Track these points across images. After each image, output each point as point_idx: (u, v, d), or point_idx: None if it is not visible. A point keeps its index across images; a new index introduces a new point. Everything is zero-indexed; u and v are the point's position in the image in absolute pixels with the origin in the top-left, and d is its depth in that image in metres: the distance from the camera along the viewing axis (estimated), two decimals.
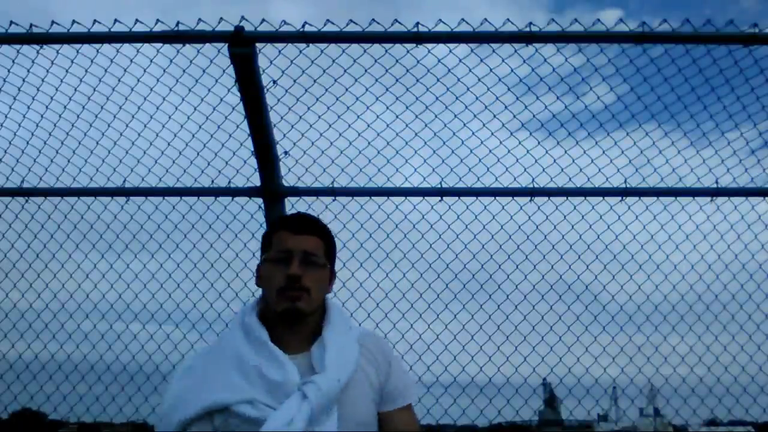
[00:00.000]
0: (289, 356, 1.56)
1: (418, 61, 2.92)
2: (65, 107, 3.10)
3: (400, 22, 2.61)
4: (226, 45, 2.52)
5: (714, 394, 3.45)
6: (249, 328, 1.60)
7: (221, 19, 2.60)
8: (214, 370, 1.56)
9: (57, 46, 2.87)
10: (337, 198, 3.18)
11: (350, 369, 1.57)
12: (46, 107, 3.11)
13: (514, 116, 3.17)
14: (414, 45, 2.75)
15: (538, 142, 3.25)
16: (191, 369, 1.60)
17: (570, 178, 3.22)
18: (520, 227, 3.28)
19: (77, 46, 2.86)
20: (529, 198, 3.21)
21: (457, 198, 3.23)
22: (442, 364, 3.29)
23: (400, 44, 2.76)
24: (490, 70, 2.96)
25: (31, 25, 2.69)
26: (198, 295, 3.34)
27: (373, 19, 2.60)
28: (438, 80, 3.03)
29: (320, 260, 1.64)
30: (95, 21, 2.67)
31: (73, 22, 2.67)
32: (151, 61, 2.90)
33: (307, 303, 1.60)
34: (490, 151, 3.24)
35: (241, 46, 2.49)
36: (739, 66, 2.93)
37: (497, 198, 3.24)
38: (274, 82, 2.76)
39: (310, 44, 2.69)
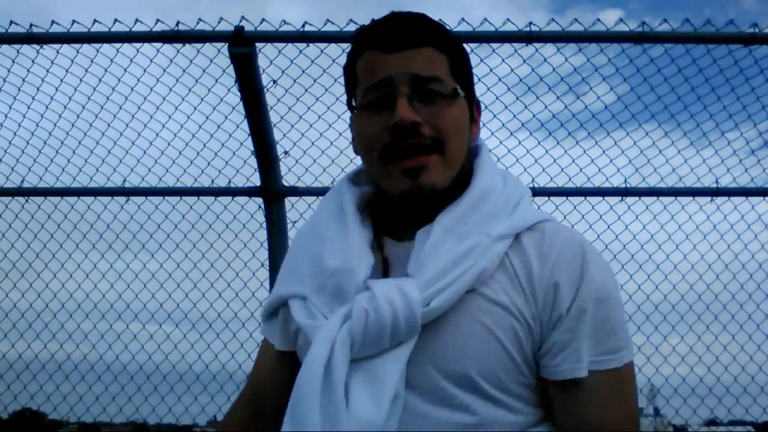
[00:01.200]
0: (393, 244, 0.99)
1: None
2: (65, 107, 3.10)
3: None
4: (226, 45, 2.52)
5: (714, 394, 3.45)
6: (341, 192, 1.05)
7: (221, 19, 2.61)
8: (299, 247, 1.06)
9: (57, 46, 2.87)
10: None
11: (458, 277, 0.88)
12: (46, 107, 3.11)
13: (514, 116, 3.17)
14: None
15: (538, 142, 3.25)
16: (297, 240, 1.10)
17: (570, 178, 3.22)
18: None
19: (77, 46, 2.86)
20: None
21: None
22: None
23: None
24: (490, 70, 2.96)
25: (31, 25, 2.69)
26: (198, 295, 3.34)
27: (373, 19, 2.60)
28: None
29: (446, 86, 0.95)
30: (95, 21, 2.67)
31: (73, 22, 2.67)
32: (151, 61, 2.90)
33: (440, 171, 0.94)
34: (490, 151, 3.23)
35: (241, 46, 2.49)
36: (739, 66, 2.93)
37: None
38: (274, 82, 2.76)
39: (310, 44, 2.69)
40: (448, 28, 1.04)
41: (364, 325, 0.86)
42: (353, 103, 1.00)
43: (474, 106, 1.05)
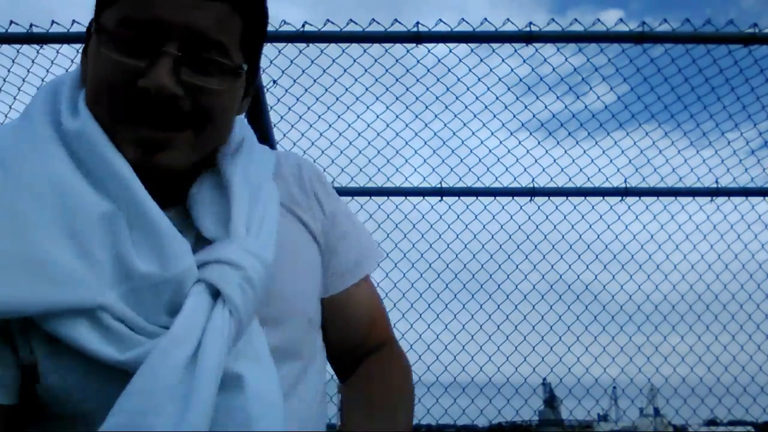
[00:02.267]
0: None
1: (418, 61, 2.92)
2: None
3: (400, 22, 2.61)
4: None
5: (714, 394, 3.45)
6: (83, 135, 0.71)
7: None
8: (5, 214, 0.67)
9: (57, 46, 2.86)
10: None
11: (274, 230, 0.79)
12: None
13: (514, 116, 3.17)
14: (414, 45, 2.75)
15: (538, 142, 3.26)
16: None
17: (570, 178, 3.22)
18: (520, 227, 3.28)
19: (77, 46, 2.86)
20: (529, 198, 3.21)
21: (457, 198, 3.24)
22: (442, 364, 3.30)
23: (400, 44, 2.76)
24: (490, 70, 2.96)
25: (31, 25, 2.69)
26: None
27: (373, 19, 2.60)
28: (438, 80, 3.03)
29: (229, 59, 0.74)
30: None
31: (73, 22, 2.67)
32: None
33: (185, 151, 0.74)
34: (490, 150, 3.24)
35: None
36: (739, 66, 2.94)
37: (497, 198, 3.24)
38: (274, 81, 2.76)
39: (310, 44, 2.69)
40: None
41: (243, 301, 0.70)
42: (99, 25, 0.74)
43: (251, 81, 0.83)
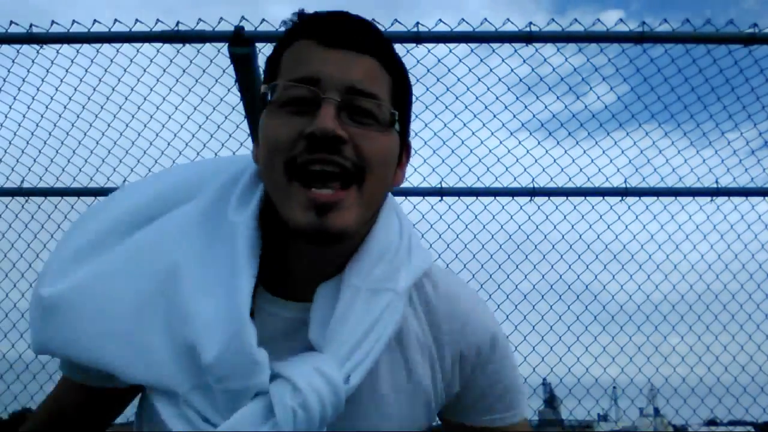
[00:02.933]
0: (287, 303, 0.82)
1: (418, 61, 2.92)
2: (65, 107, 3.10)
3: (400, 22, 2.61)
4: (226, 45, 2.52)
5: (714, 394, 3.45)
6: (236, 228, 0.78)
7: (221, 19, 2.60)
8: (122, 283, 0.77)
9: (57, 46, 2.86)
10: None
11: (372, 348, 0.78)
12: (46, 107, 3.11)
13: (514, 116, 3.17)
14: (414, 45, 2.75)
15: (538, 142, 3.25)
16: (91, 248, 0.79)
17: (570, 178, 3.22)
18: (520, 227, 3.28)
19: (77, 46, 2.86)
20: (529, 198, 3.20)
21: (457, 198, 3.23)
22: None
23: (400, 44, 2.76)
24: (490, 70, 2.96)
25: (31, 25, 2.69)
26: None
27: (373, 19, 2.60)
28: (438, 80, 3.03)
29: (384, 110, 0.78)
30: (95, 21, 2.67)
31: (73, 22, 2.66)
32: (151, 61, 2.90)
33: (355, 210, 0.76)
34: (490, 150, 3.24)
35: (241, 46, 2.49)
36: (739, 66, 2.93)
37: (497, 198, 3.24)
38: None
39: None
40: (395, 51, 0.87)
41: (293, 426, 0.72)
42: (268, 98, 0.78)
43: (405, 148, 0.86)
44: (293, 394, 0.73)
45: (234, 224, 0.78)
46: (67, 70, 2.97)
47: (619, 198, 3.22)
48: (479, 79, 3.01)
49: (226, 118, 3.03)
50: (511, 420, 0.92)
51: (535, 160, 3.20)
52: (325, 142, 0.72)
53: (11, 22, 2.67)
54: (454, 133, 3.24)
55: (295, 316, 0.80)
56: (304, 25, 0.79)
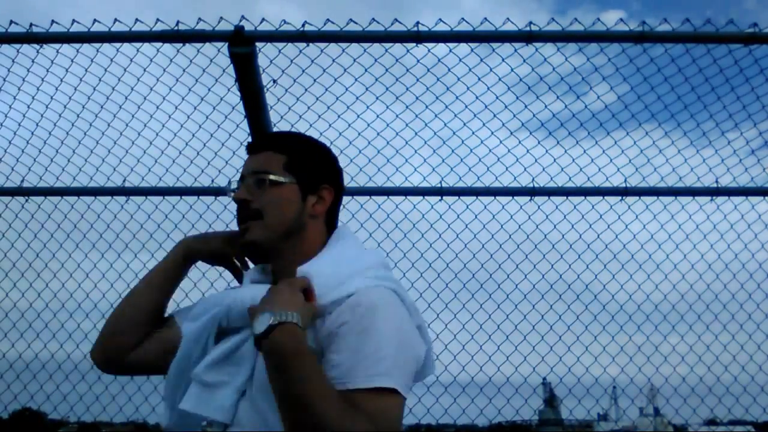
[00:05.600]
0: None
1: (418, 61, 2.91)
2: (65, 107, 3.10)
3: (400, 22, 2.61)
4: (226, 44, 2.52)
5: (714, 394, 3.45)
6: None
7: (221, 18, 2.60)
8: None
9: (57, 46, 2.86)
10: None
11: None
12: (46, 107, 3.11)
13: (514, 116, 3.17)
14: (414, 44, 2.75)
15: (538, 142, 3.25)
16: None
17: (570, 178, 3.22)
18: (520, 227, 3.28)
19: (77, 45, 2.86)
20: (529, 197, 3.21)
21: (457, 197, 3.23)
22: (442, 363, 3.30)
23: (400, 44, 2.76)
24: (490, 69, 2.96)
25: (31, 25, 2.69)
26: (198, 294, 3.34)
27: (373, 19, 2.60)
28: (438, 80, 3.03)
29: (275, 176, 1.34)
30: (95, 21, 2.67)
31: (73, 21, 2.66)
32: (151, 60, 2.89)
33: (258, 231, 1.33)
34: (490, 150, 3.24)
35: (241, 45, 2.49)
36: (739, 66, 2.93)
37: (497, 197, 3.24)
38: (274, 81, 2.76)
39: (310, 44, 2.69)
40: (302, 140, 1.45)
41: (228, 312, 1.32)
42: None
43: (323, 189, 1.39)
44: (229, 309, 1.32)
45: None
46: (67, 70, 2.97)
47: (619, 198, 3.22)
48: (479, 79, 3.01)
49: (226, 117, 3.03)
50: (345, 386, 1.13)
51: (535, 160, 3.20)
52: (239, 203, 1.36)
53: (11, 22, 2.67)
54: (454, 133, 3.24)
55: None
56: (246, 147, 1.44)
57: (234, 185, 1.41)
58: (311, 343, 1.20)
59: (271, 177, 1.34)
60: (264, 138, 1.48)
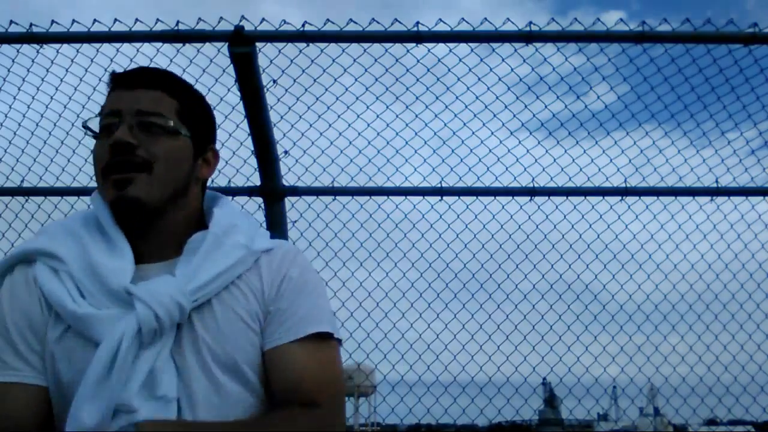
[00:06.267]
0: (152, 266, 1.13)
1: (418, 61, 2.92)
2: (65, 107, 3.10)
3: (400, 22, 2.62)
4: (226, 44, 2.52)
5: (714, 394, 3.45)
6: (96, 205, 1.17)
7: (221, 18, 2.60)
8: (56, 231, 1.18)
9: (57, 46, 2.86)
10: (337, 197, 3.18)
11: (210, 279, 1.09)
12: (46, 107, 3.11)
13: (514, 116, 3.17)
14: (414, 45, 2.75)
15: (538, 142, 3.26)
16: (52, 228, 1.21)
17: (570, 178, 3.22)
18: (520, 227, 3.28)
19: (77, 45, 2.86)
20: (529, 197, 3.21)
21: (456, 197, 3.23)
22: (442, 363, 3.30)
23: (400, 44, 2.76)
24: (490, 69, 2.96)
25: (31, 25, 2.69)
26: None
27: (373, 19, 2.60)
28: (438, 80, 3.03)
29: (169, 123, 1.12)
30: (95, 21, 2.67)
31: (73, 21, 2.67)
32: (151, 60, 2.89)
33: (144, 187, 1.09)
34: (490, 150, 3.24)
35: (241, 45, 2.49)
36: (739, 66, 2.93)
37: (497, 197, 3.23)
38: (274, 81, 2.76)
39: (310, 44, 2.69)
40: (189, 85, 1.24)
41: (154, 322, 1.03)
42: (92, 131, 1.16)
43: (209, 151, 1.24)
44: (153, 300, 1.04)
45: (101, 211, 1.15)
46: (67, 70, 2.97)
47: (619, 198, 3.22)
48: (479, 79, 3.01)
49: (226, 117, 3.03)
50: (286, 338, 1.12)
51: (535, 160, 3.20)
52: (119, 147, 1.09)
53: (11, 22, 2.68)
54: (454, 133, 3.24)
55: (160, 271, 1.11)
56: (117, 78, 1.17)
57: (98, 122, 1.15)
58: (256, 284, 1.15)
59: (170, 123, 1.13)
60: (148, 73, 1.17)
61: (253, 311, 1.12)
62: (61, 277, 1.08)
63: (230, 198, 1.29)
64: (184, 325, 1.08)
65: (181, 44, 2.72)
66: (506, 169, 3.21)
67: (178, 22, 2.61)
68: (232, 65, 2.56)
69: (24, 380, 1.07)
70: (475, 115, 3.16)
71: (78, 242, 1.12)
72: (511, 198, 3.23)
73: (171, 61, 2.87)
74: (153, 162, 1.10)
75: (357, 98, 2.99)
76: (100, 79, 2.98)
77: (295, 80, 2.87)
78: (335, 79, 2.90)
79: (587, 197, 3.24)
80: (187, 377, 1.06)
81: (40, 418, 1.07)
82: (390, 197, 3.23)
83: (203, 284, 1.08)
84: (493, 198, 3.24)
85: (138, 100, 1.12)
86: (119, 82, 1.15)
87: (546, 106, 3.15)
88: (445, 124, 3.18)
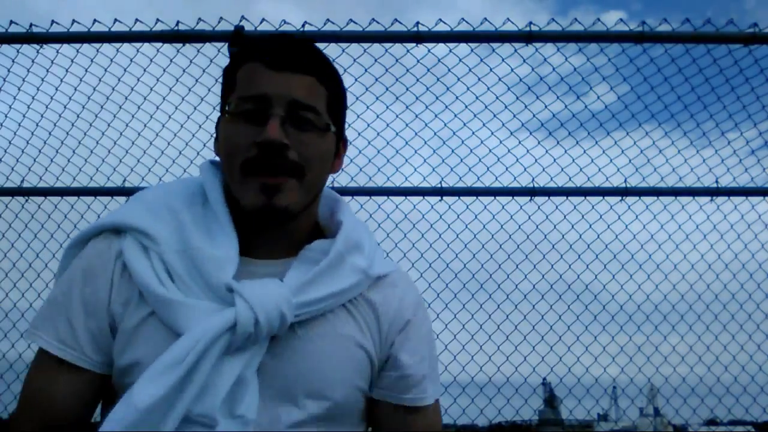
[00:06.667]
0: (260, 263, 1.01)
1: (418, 61, 2.92)
2: (65, 107, 3.10)
3: (400, 22, 2.62)
4: (226, 44, 2.52)
5: (714, 394, 3.45)
6: (207, 179, 1.05)
7: (221, 18, 2.61)
8: (155, 201, 1.07)
9: (57, 46, 2.87)
10: None
11: (321, 298, 0.96)
12: (46, 107, 3.11)
13: (514, 116, 3.17)
14: (414, 45, 2.75)
15: (538, 142, 3.26)
16: (150, 195, 1.10)
17: (570, 178, 3.22)
18: (520, 227, 3.28)
19: (77, 45, 2.86)
20: (529, 198, 3.21)
21: (456, 197, 3.23)
22: (442, 363, 3.29)
23: (400, 44, 2.76)
24: (490, 69, 2.96)
25: (31, 25, 2.69)
26: None
27: (373, 19, 2.61)
28: (438, 80, 3.03)
29: (322, 120, 0.99)
30: (95, 21, 2.67)
31: (73, 21, 2.67)
32: (151, 60, 2.90)
33: (294, 195, 0.97)
34: (490, 150, 3.24)
35: (242, 45, 2.49)
36: (739, 66, 2.94)
37: (497, 197, 3.24)
38: None
39: None
40: (335, 67, 1.06)
41: (252, 326, 0.90)
42: (226, 108, 0.99)
43: (341, 142, 1.10)
44: (256, 303, 0.90)
45: (212, 187, 1.02)
46: (67, 70, 2.97)
47: (619, 198, 3.22)
48: (479, 79, 3.01)
49: None
50: (408, 401, 1.04)
51: (535, 160, 3.20)
52: (272, 148, 0.93)
53: (11, 22, 2.68)
54: (454, 133, 3.24)
55: (268, 271, 0.99)
56: (255, 48, 0.99)
57: (235, 101, 0.97)
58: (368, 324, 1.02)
59: (324, 121, 0.99)
60: (299, 52, 0.99)
61: (362, 343, 1.00)
62: (150, 256, 0.96)
63: (348, 199, 1.17)
64: (279, 339, 0.95)
65: (181, 44, 2.72)
66: (506, 169, 3.21)
67: (178, 22, 2.62)
68: None
69: (78, 362, 0.95)
70: (475, 116, 3.16)
71: (175, 219, 0.98)
72: (511, 198, 3.23)
73: (171, 61, 2.88)
74: (305, 166, 0.96)
75: (357, 98, 2.99)
76: (100, 79, 2.98)
77: None
78: None
79: (587, 197, 3.25)
80: (270, 397, 0.93)
81: (87, 408, 0.98)
82: (390, 197, 3.23)
83: (312, 301, 0.95)
84: (493, 198, 3.24)
85: (290, 87, 0.95)
86: (265, 59, 0.97)
87: (546, 106, 3.15)
88: (445, 125, 3.18)
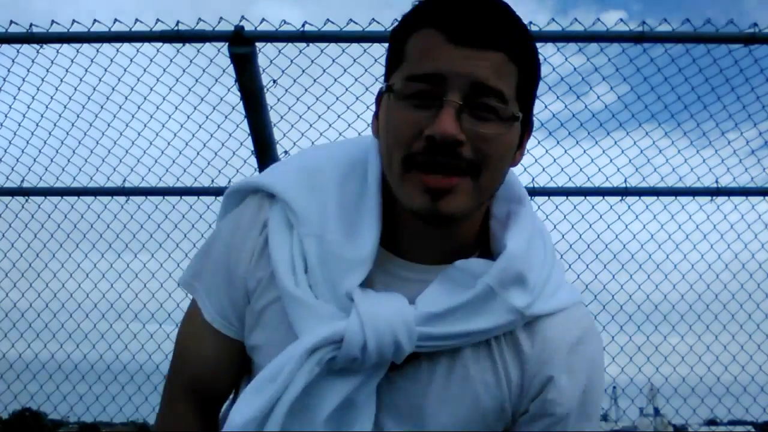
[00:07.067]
0: (402, 265, 0.88)
1: None
2: (65, 107, 3.10)
3: None
4: (226, 45, 2.52)
5: (714, 394, 3.45)
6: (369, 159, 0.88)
7: (221, 18, 2.60)
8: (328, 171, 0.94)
9: (57, 46, 2.86)
10: None
11: (453, 335, 0.83)
12: (46, 107, 3.11)
13: None
14: None
15: (538, 142, 3.25)
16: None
17: (570, 178, 3.22)
18: None
19: (77, 46, 2.86)
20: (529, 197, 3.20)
21: None
22: None
23: None
24: None
25: (31, 25, 2.69)
26: None
27: (373, 19, 2.60)
28: None
29: (509, 110, 0.79)
30: (95, 21, 2.67)
31: (73, 21, 2.67)
32: (151, 60, 2.90)
33: (465, 198, 0.80)
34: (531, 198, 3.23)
35: (241, 45, 2.49)
36: (739, 66, 2.93)
37: None
38: (274, 81, 2.76)
39: (310, 44, 2.69)
40: (530, 36, 0.84)
41: (357, 350, 0.80)
42: (392, 85, 0.81)
43: (527, 128, 0.88)
44: (369, 324, 0.79)
45: (372, 169, 0.87)
46: (67, 70, 2.97)
47: (619, 198, 3.22)
48: None
49: (226, 117, 3.03)
50: None
51: (535, 160, 3.20)
52: (443, 145, 0.76)
53: (11, 22, 2.68)
54: None
55: (409, 276, 0.86)
56: (433, 13, 0.79)
57: (401, 78, 0.80)
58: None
59: (510, 111, 0.79)
60: (488, 20, 0.78)
61: (494, 392, 0.86)
62: (292, 236, 0.86)
63: (528, 200, 1.00)
64: (399, 366, 0.84)
65: (181, 44, 2.72)
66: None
67: (178, 22, 2.61)
68: (232, 65, 2.56)
69: (224, 329, 0.91)
70: None
71: (320, 201, 0.86)
72: None
73: (171, 61, 2.88)
74: (481, 165, 0.79)
75: (357, 98, 2.99)
76: (100, 79, 2.99)
77: (295, 80, 2.87)
78: (335, 79, 2.90)
79: (587, 197, 3.24)
80: (382, 425, 0.84)
81: (236, 379, 0.95)
82: None
83: (441, 336, 0.82)
84: None
85: (472, 65, 0.76)
86: (445, 23, 0.77)
87: (546, 106, 3.15)
88: None
